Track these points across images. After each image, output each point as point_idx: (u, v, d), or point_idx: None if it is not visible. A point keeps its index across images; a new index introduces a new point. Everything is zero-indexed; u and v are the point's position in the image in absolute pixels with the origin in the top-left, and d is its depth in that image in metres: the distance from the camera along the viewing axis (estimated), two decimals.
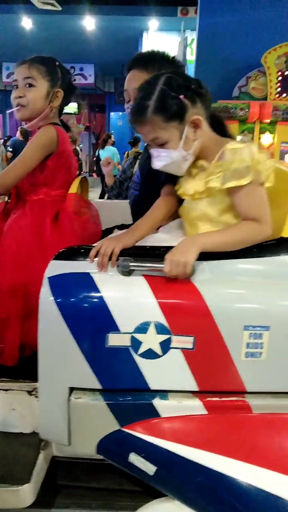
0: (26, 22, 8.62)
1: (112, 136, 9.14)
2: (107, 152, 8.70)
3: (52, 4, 7.20)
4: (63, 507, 1.48)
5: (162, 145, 1.21)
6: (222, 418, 1.19)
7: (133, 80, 1.53)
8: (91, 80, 12.51)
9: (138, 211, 1.34)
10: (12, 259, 1.46)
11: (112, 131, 10.03)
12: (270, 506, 1.07)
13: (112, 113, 14.65)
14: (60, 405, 1.20)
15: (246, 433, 1.18)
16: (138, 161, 1.79)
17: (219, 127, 1.30)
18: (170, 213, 1.37)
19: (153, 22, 8.38)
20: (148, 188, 1.42)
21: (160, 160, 1.23)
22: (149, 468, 1.17)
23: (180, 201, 1.37)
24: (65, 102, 1.65)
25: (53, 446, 1.37)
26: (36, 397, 1.30)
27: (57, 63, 1.59)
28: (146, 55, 1.57)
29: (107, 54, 10.68)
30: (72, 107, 14.57)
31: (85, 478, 1.48)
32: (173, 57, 1.56)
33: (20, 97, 1.53)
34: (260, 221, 1.16)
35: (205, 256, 1.17)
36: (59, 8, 7.31)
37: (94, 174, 11.88)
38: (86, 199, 1.75)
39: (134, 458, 1.19)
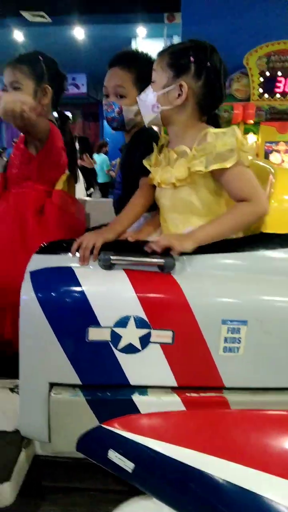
0: (18, 35, 8.68)
1: (107, 145, 9.23)
2: (99, 158, 8.79)
3: (42, 16, 7.31)
4: (45, 507, 1.47)
5: (152, 82, 1.29)
6: (200, 414, 1.20)
7: (113, 77, 1.55)
8: (83, 89, 12.55)
9: (121, 210, 1.36)
10: None
11: (107, 139, 10.07)
12: (246, 503, 1.08)
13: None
14: (40, 401, 1.20)
15: (224, 430, 1.19)
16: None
17: (213, 123, 1.31)
18: (149, 204, 1.39)
19: (141, 29, 8.43)
20: (129, 186, 1.45)
21: (144, 93, 1.31)
22: (128, 465, 1.17)
23: None
24: (58, 93, 1.64)
25: (36, 445, 1.37)
26: (18, 394, 1.30)
27: (40, 58, 1.58)
28: (129, 53, 1.59)
29: (98, 63, 10.71)
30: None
31: (68, 477, 1.48)
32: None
33: None
34: (252, 200, 1.17)
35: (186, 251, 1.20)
36: (49, 20, 7.42)
37: None
38: (73, 195, 1.76)
39: (113, 455, 1.19)
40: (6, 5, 7.24)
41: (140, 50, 1.63)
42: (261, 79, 4.34)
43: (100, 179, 8.63)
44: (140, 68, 1.50)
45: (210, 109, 1.28)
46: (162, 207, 1.34)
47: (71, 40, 8.94)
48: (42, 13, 7.30)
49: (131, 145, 1.59)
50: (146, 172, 1.38)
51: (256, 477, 1.09)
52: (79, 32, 8.54)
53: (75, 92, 12.38)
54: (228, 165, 1.15)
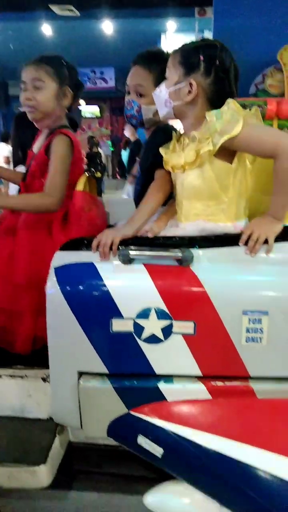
0: (46, 29, 8.81)
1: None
2: (127, 154, 8.83)
3: (70, 10, 7.38)
4: (80, 490, 1.55)
5: (166, 79, 1.35)
6: (226, 402, 1.23)
7: (134, 76, 1.58)
8: (112, 83, 12.58)
9: None
10: (26, 255, 1.52)
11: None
12: (273, 487, 1.10)
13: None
14: (70, 389, 1.27)
15: (250, 417, 1.21)
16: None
17: None
18: (165, 196, 1.40)
19: (171, 24, 8.39)
20: (148, 181, 1.46)
21: (158, 88, 1.38)
22: (157, 450, 1.22)
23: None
24: (74, 100, 1.69)
25: (69, 432, 1.44)
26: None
27: (63, 62, 1.62)
28: (152, 53, 1.60)
29: (127, 57, 10.70)
30: (94, 111, 14.78)
31: (101, 463, 1.54)
32: None
33: (30, 99, 1.57)
34: (278, 154, 1.17)
35: (204, 244, 1.22)
36: (77, 13, 7.48)
37: (118, 176, 12.00)
38: (94, 195, 1.80)
39: (142, 441, 1.23)
40: None
41: (165, 49, 1.63)
42: None
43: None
44: (162, 69, 1.49)
45: (221, 104, 1.28)
46: (176, 193, 1.37)
47: (100, 34, 8.95)
48: (70, 6, 7.35)
49: (149, 141, 1.61)
50: (162, 165, 1.40)
51: (283, 462, 1.11)
52: (107, 26, 8.56)
53: (103, 86, 12.40)
54: (235, 132, 1.18)
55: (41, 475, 1.31)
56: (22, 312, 1.52)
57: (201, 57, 1.25)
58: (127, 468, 1.52)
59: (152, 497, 1.25)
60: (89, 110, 14.24)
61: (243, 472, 1.12)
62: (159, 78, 1.50)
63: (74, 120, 1.77)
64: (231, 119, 1.19)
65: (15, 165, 2.67)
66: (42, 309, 1.45)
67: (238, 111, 1.22)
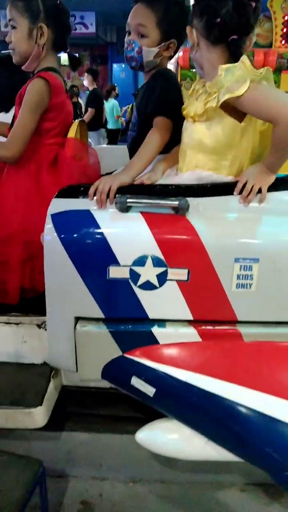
0: None
1: (116, 88, 8.90)
2: (109, 104, 8.55)
3: None
4: (72, 430, 1.63)
5: None
6: (215, 344, 1.29)
7: (136, 15, 1.47)
8: (92, 29, 11.85)
9: (135, 152, 1.37)
10: (10, 206, 1.50)
11: (115, 84, 9.73)
12: (254, 421, 1.19)
13: (114, 65, 13.99)
14: (67, 334, 1.31)
15: (237, 359, 1.28)
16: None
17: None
18: (163, 145, 1.38)
19: None
20: (145, 127, 1.43)
21: None
22: (149, 390, 1.29)
23: (174, 133, 1.40)
24: (62, 32, 1.57)
25: (63, 376, 1.50)
26: (45, 330, 1.41)
27: None
28: None
29: (109, 1, 10.16)
30: None
31: (93, 405, 1.62)
32: (183, 1, 1.50)
33: (10, 42, 1.50)
34: (278, 121, 1.15)
35: (200, 194, 1.24)
36: None
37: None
38: (86, 143, 1.76)
39: (136, 381, 1.30)
40: None
41: None
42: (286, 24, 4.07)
43: (109, 125, 8.39)
44: (166, 9, 1.42)
45: (219, 40, 1.24)
46: (182, 142, 1.36)
47: None
48: None
49: (149, 85, 1.53)
50: (163, 113, 1.39)
51: (265, 399, 1.20)
52: None
53: (83, 32, 11.64)
54: (239, 93, 1.15)
55: (38, 416, 1.38)
56: (8, 262, 1.50)
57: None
58: (117, 410, 1.60)
59: (143, 434, 1.33)
60: (67, 57, 13.49)
61: (228, 409, 1.21)
62: (163, 19, 1.44)
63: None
64: (240, 78, 1.16)
65: None
66: (30, 258, 1.48)
67: (248, 71, 1.18)
